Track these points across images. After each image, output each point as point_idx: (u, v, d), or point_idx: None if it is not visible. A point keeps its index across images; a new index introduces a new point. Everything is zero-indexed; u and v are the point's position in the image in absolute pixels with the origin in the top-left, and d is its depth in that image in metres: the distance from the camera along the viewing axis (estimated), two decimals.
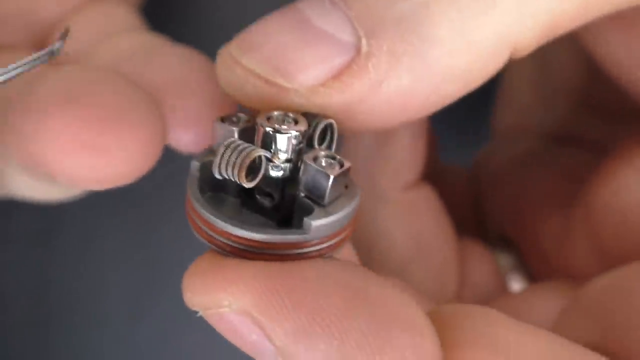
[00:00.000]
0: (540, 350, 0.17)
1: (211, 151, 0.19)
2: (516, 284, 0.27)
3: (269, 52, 0.19)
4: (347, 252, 0.20)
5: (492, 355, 0.17)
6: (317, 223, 0.18)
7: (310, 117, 0.19)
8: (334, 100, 0.19)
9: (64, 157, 0.19)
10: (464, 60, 0.19)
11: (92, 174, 0.19)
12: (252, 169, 0.18)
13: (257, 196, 0.19)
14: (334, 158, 0.18)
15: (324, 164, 0.18)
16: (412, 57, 0.18)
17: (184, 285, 0.18)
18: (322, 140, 0.19)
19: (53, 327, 0.38)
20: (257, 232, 0.18)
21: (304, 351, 0.16)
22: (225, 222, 0.18)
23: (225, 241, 0.18)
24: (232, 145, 0.18)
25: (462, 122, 0.32)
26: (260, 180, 0.18)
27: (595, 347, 0.19)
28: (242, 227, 0.18)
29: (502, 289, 0.27)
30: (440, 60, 0.19)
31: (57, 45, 0.20)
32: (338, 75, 0.18)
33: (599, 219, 0.24)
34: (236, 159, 0.18)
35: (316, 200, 0.18)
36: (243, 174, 0.18)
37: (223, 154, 0.18)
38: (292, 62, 0.18)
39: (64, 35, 0.20)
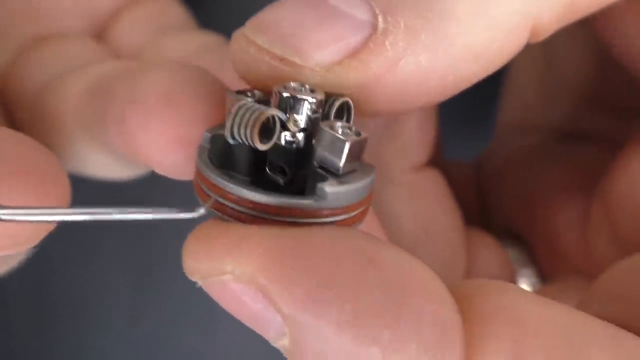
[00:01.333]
0: (565, 324, 0.16)
1: (223, 125, 0.19)
2: (525, 279, 0.27)
3: (284, 30, 0.18)
4: (372, 226, 0.20)
5: (515, 329, 0.16)
6: (332, 189, 0.17)
7: (327, 95, 0.18)
8: (351, 78, 0.18)
9: (164, 153, 0.19)
10: (483, 38, 0.19)
11: (187, 167, 0.19)
12: (266, 131, 0.17)
13: (269, 172, 0.18)
14: (350, 128, 0.17)
15: (340, 132, 0.17)
16: (430, 33, 0.18)
17: (184, 251, 0.17)
18: (338, 118, 0.18)
19: (53, 327, 0.38)
20: (269, 195, 0.17)
21: (314, 319, 0.15)
22: (236, 184, 0.17)
23: (234, 206, 0.17)
24: (246, 106, 0.17)
25: (466, 118, 0.32)
26: (273, 152, 0.18)
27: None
28: (254, 190, 0.17)
29: (510, 281, 0.27)
30: (458, 37, 0.18)
31: None
32: (355, 54, 0.18)
33: (616, 211, 0.24)
34: (249, 117, 0.17)
35: (331, 169, 0.17)
36: (256, 132, 0.17)
37: (236, 114, 0.17)
38: (308, 40, 0.18)
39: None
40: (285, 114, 0.18)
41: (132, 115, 0.20)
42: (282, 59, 0.18)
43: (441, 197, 0.26)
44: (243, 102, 0.18)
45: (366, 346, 0.15)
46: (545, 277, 0.27)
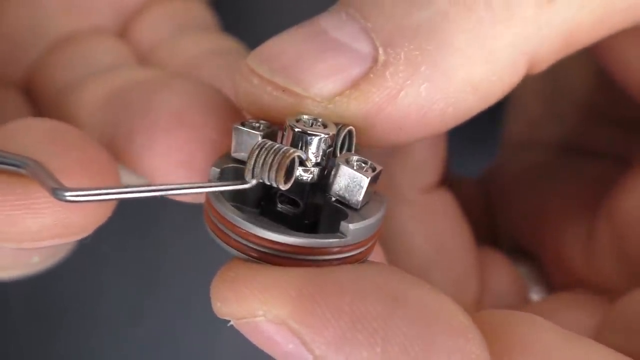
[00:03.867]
0: (589, 357, 0.17)
1: (229, 157, 0.19)
2: (535, 296, 0.27)
3: (286, 61, 0.18)
4: (377, 255, 0.20)
5: None
6: (356, 226, 0.17)
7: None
8: (352, 108, 0.18)
9: (167, 174, 0.20)
10: (482, 71, 0.19)
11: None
12: (288, 171, 0.17)
13: (280, 204, 0.19)
14: (365, 162, 0.18)
15: (356, 167, 0.18)
16: (430, 65, 0.18)
17: (212, 294, 0.17)
18: (341, 148, 0.19)
19: (53, 327, 0.38)
20: (293, 236, 0.17)
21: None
22: (257, 225, 0.17)
23: (254, 246, 0.17)
24: (267, 146, 0.17)
25: (471, 134, 0.32)
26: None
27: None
28: (277, 231, 0.17)
29: (523, 299, 0.27)
30: (458, 70, 0.18)
31: None
32: (355, 85, 0.18)
33: (623, 229, 0.24)
34: (273, 159, 0.17)
35: (349, 204, 0.18)
36: (282, 174, 0.17)
37: (257, 155, 0.17)
38: (309, 70, 0.18)
39: None
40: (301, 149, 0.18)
41: (141, 132, 0.20)
42: (284, 89, 0.18)
43: (452, 217, 0.26)
44: (263, 141, 0.18)
45: None
46: (554, 291, 0.27)
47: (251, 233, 0.17)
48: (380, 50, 0.18)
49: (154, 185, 0.17)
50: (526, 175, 0.28)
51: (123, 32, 0.28)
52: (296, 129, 0.18)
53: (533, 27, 0.19)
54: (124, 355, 0.38)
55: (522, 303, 0.26)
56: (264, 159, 0.17)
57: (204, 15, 0.29)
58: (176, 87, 0.21)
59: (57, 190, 0.16)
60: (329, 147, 0.18)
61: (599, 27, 0.20)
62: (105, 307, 0.38)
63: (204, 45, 0.26)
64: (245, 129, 0.19)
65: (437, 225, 0.25)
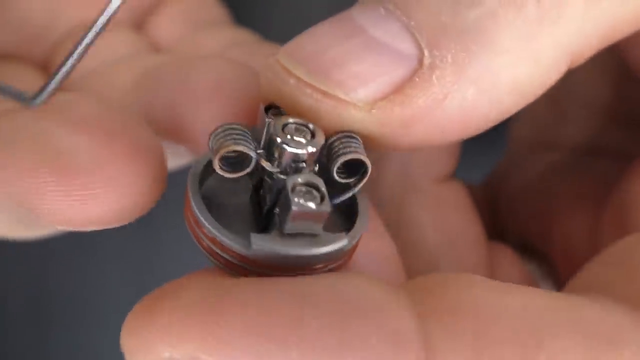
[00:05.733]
0: (526, 307, 0.16)
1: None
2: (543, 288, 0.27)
3: (326, 63, 0.17)
4: (384, 244, 0.20)
5: (474, 322, 0.15)
6: (259, 244, 0.17)
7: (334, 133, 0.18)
8: (396, 114, 0.17)
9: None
10: (527, 71, 0.18)
11: None
12: (236, 163, 0.17)
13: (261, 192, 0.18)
14: (317, 189, 0.17)
15: (296, 196, 0.17)
16: (477, 67, 0.17)
17: (121, 334, 0.16)
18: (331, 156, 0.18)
19: (53, 327, 0.38)
20: (241, 245, 0.17)
21: None
22: (221, 230, 0.17)
23: (220, 253, 0.17)
24: (223, 130, 0.17)
25: (476, 136, 0.32)
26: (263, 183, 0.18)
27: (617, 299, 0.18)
28: (233, 239, 0.17)
29: None
30: (504, 72, 0.18)
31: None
32: (400, 89, 0.17)
33: (630, 223, 0.24)
34: (214, 144, 0.17)
35: (279, 222, 0.17)
36: (216, 161, 0.17)
37: (216, 134, 0.17)
38: (353, 74, 0.17)
39: None
40: (273, 154, 0.17)
41: (183, 103, 0.20)
42: (324, 93, 0.17)
43: (464, 209, 0.25)
44: (227, 125, 0.17)
45: None
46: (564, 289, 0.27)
47: (215, 238, 0.17)
48: (426, 52, 0.17)
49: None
50: (535, 177, 0.28)
51: (138, 26, 0.27)
52: (277, 138, 0.17)
53: (578, 24, 0.18)
54: (124, 355, 0.38)
55: None
56: (214, 139, 0.17)
57: (217, 10, 0.28)
58: (211, 63, 0.20)
59: (30, 101, 0.18)
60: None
61: (637, 21, 0.19)
62: (105, 307, 0.38)
63: (224, 39, 0.26)
64: (265, 113, 0.18)
65: (448, 216, 0.25)
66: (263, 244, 0.17)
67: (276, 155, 0.17)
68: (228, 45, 0.26)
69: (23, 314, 0.38)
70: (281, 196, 0.17)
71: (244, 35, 0.27)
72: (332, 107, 0.17)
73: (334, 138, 0.18)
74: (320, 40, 0.18)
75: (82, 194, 0.18)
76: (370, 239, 0.19)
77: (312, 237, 0.17)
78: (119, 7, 0.18)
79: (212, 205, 0.17)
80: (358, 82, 0.17)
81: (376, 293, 0.16)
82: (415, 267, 0.23)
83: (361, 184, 0.18)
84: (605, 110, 0.27)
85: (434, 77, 0.17)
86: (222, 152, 0.17)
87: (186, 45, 0.26)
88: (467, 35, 0.17)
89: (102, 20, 0.18)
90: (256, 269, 0.17)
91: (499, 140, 0.31)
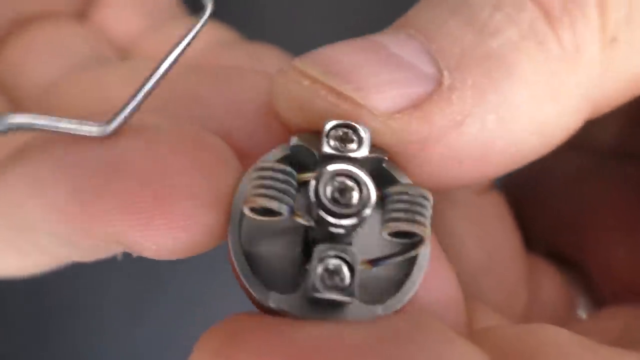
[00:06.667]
0: None
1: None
2: (583, 306, 0.26)
3: (343, 66, 0.17)
4: (449, 284, 0.18)
5: None
6: (277, 304, 0.16)
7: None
8: (412, 129, 0.17)
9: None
10: (547, 110, 0.18)
11: None
12: (269, 210, 0.16)
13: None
14: (345, 261, 0.15)
15: (325, 269, 0.15)
16: (498, 94, 0.17)
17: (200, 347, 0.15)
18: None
19: (53, 327, 0.38)
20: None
21: None
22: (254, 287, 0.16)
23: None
24: (258, 174, 0.16)
25: None
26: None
27: None
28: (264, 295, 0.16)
29: (572, 310, 0.25)
30: (524, 105, 0.17)
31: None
32: (418, 105, 0.17)
33: None
34: (248, 189, 0.16)
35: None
36: (246, 209, 0.16)
37: (251, 176, 0.16)
38: (369, 80, 0.17)
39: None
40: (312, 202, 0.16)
41: (233, 125, 0.19)
42: (339, 94, 0.17)
43: (504, 221, 0.24)
44: (270, 165, 0.16)
45: None
46: (603, 299, 0.26)
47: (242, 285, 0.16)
48: (446, 74, 0.17)
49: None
50: (565, 181, 0.27)
51: (81, 16, 0.26)
52: (317, 201, 0.15)
53: (598, 68, 0.18)
54: (124, 355, 0.38)
55: (570, 314, 0.25)
56: (251, 184, 0.16)
57: (174, 5, 0.27)
58: (253, 79, 0.19)
59: (102, 130, 0.17)
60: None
61: None
62: (105, 307, 0.38)
63: (206, 37, 0.25)
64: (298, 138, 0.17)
65: (489, 229, 0.24)
66: (280, 305, 0.16)
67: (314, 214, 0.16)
68: (212, 44, 0.25)
69: (23, 314, 0.38)
70: (309, 262, 0.16)
71: (222, 32, 0.26)
72: (347, 112, 0.17)
73: (396, 191, 0.16)
74: (339, 48, 0.17)
75: (184, 224, 0.17)
76: (434, 277, 0.18)
77: (338, 306, 0.16)
78: (199, 30, 0.17)
79: (262, 238, 0.17)
80: (375, 89, 0.17)
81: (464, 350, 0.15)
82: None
83: (411, 254, 0.16)
84: (634, 113, 0.27)
85: (453, 96, 0.17)
86: (249, 205, 0.16)
87: (152, 43, 0.25)
88: (489, 62, 0.17)
89: (182, 45, 0.17)
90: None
91: None
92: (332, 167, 0.16)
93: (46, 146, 0.18)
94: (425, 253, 0.17)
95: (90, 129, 0.17)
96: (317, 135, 0.16)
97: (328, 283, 0.15)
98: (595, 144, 0.27)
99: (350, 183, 0.16)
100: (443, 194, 0.24)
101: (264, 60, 0.25)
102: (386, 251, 0.17)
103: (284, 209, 0.15)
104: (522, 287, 0.24)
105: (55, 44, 0.24)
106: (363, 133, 0.16)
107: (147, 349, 0.38)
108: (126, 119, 0.17)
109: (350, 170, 0.16)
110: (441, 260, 0.18)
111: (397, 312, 0.16)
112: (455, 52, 0.17)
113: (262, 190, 0.15)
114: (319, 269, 0.15)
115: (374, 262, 0.16)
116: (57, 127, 0.17)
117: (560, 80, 0.18)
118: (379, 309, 0.16)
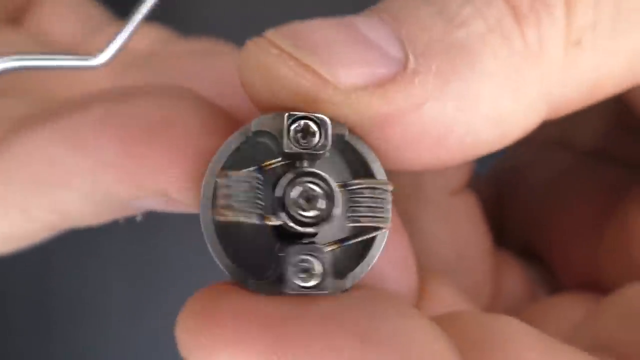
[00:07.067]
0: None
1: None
2: (542, 297, 0.27)
3: (313, 40, 0.17)
4: (403, 249, 0.20)
5: None
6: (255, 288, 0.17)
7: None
8: (374, 106, 0.17)
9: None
10: (507, 104, 0.18)
11: None
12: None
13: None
14: (316, 257, 0.17)
15: (298, 265, 0.17)
16: (460, 83, 0.17)
17: (177, 330, 0.17)
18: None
19: (53, 327, 0.38)
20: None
21: None
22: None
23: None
24: (227, 183, 0.17)
25: None
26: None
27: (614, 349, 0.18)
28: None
29: (532, 299, 0.26)
30: (485, 97, 0.18)
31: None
32: (381, 84, 0.17)
33: (633, 237, 0.24)
34: (219, 196, 0.17)
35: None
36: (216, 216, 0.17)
37: (221, 183, 0.17)
38: (337, 56, 0.17)
39: None
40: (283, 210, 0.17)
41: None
42: (306, 67, 0.17)
43: (475, 222, 0.25)
44: (249, 176, 0.17)
45: None
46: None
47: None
48: (411, 58, 0.18)
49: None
50: (545, 178, 0.28)
51: (14, 22, 0.26)
52: (287, 222, 0.17)
53: (560, 69, 0.18)
54: (124, 355, 0.38)
55: (530, 304, 0.26)
56: (221, 192, 0.17)
57: (94, 5, 0.28)
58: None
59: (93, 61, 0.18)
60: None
61: (628, 77, 0.19)
62: (105, 307, 0.38)
63: (147, 36, 0.26)
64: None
65: (460, 229, 0.25)
66: (259, 289, 0.17)
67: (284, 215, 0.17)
68: (155, 42, 0.25)
69: (23, 314, 0.38)
70: (282, 258, 0.17)
71: (159, 31, 0.26)
72: (312, 84, 0.17)
73: (359, 186, 0.18)
74: (312, 24, 0.18)
75: None
76: (390, 242, 0.19)
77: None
78: None
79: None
80: (341, 64, 0.17)
81: (434, 343, 0.16)
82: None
83: (375, 234, 0.18)
84: (617, 116, 0.27)
85: (416, 80, 0.17)
86: (219, 218, 0.17)
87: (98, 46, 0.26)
88: (454, 51, 0.18)
89: None
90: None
91: None
92: (294, 192, 0.17)
93: (85, 104, 0.19)
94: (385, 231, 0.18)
95: (85, 62, 0.18)
96: (281, 115, 0.17)
97: (303, 284, 0.17)
98: (577, 144, 0.28)
99: (315, 191, 0.17)
100: (417, 194, 0.25)
101: (218, 52, 0.25)
102: (351, 228, 0.18)
103: (253, 218, 0.16)
104: (487, 282, 0.25)
105: None
106: (324, 125, 0.17)
107: (147, 348, 0.38)
108: (120, 50, 0.18)
109: (314, 181, 0.17)
110: (397, 226, 0.20)
111: (359, 282, 0.18)
112: (423, 39, 0.18)
113: (230, 202, 0.16)
114: (293, 271, 0.17)
115: (342, 241, 0.18)
116: (49, 65, 0.18)
117: (521, 76, 0.18)
118: (347, 283, 0.18)
